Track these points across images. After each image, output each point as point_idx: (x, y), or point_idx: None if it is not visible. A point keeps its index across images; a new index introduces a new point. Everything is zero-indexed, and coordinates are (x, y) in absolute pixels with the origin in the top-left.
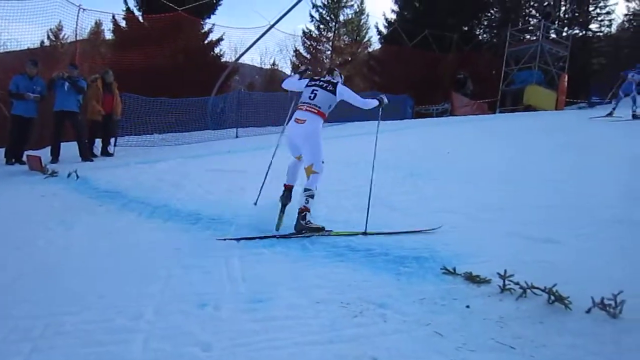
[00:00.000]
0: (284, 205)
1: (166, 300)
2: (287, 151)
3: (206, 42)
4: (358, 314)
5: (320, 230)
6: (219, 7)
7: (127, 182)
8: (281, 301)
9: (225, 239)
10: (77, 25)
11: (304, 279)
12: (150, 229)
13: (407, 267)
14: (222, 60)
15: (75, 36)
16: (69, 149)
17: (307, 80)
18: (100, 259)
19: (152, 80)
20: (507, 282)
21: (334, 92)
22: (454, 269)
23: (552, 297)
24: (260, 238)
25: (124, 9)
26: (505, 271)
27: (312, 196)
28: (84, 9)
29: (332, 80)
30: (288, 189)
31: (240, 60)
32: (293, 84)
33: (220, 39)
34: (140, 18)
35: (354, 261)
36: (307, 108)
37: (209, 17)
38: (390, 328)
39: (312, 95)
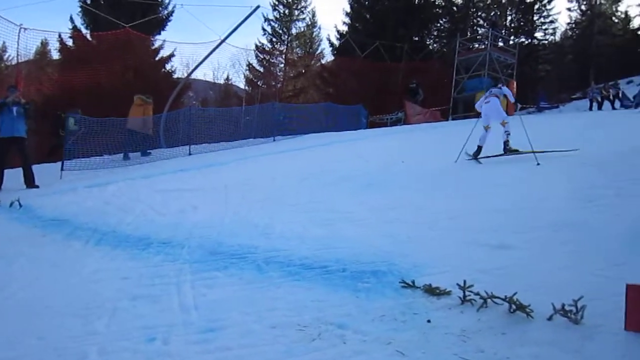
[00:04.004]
0: (477, 155)
1: (112, 337)
2: (483, 122)
3: (157, 58)
4: (316, 337)
5: (516, 150)
6: (169, 23)
7: (73, 208)
8: (235, 328)
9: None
10: (18, 45)
11: (259, 302)
12: (97, 258)
13: (365, 282)
14: (174, 77)
15: (17, 57)
16: (14, 176)
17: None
18: (41, 295)
19: (101, 100)
20: (467, 292)
21: (500, 89)
22: (413, 282)
23: (513, 306)
24: (489, 157)
25: (71, 27)
26: (465, 282)
27: (509, 134)
28: (24, 28)
29: (499, 85)
30: (480, 148)
31: (193, 76)
32: (482, 101)
33: (171, 55)
34: (88, 36)
35: (310, 280)
36: (489, 97)
37: (159, 34)
38: (349, 350)
39: (489, 94)
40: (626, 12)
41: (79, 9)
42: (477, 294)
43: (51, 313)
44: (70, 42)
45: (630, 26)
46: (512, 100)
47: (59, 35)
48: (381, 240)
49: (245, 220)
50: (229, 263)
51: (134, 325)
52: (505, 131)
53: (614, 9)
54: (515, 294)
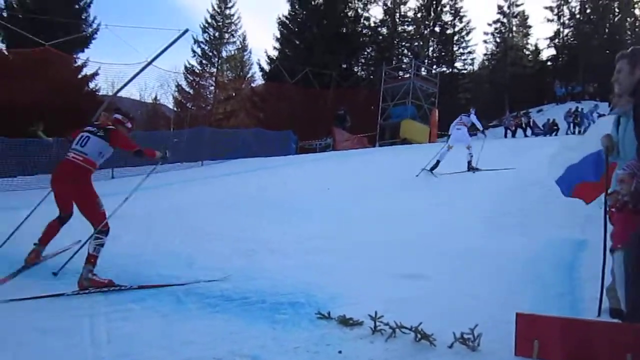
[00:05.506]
0: (433, 169)
1: None
2: (450, 142)
3: (80, 76)
4: None
5: (477, 169)
6: (93, 41)
7: None
8: None
9: None
10: None
11: (175, 335)
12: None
13: (282, 314)
14: (98, 95)
15: None
16: None
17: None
18: None
19: (20, 119)
20: (377, 323)
21: (469, 117)
22: (329, 313)
23: (419, 335)
24: None
25: None
26: (376, 312)
27: (472, 155)
28: None
29: (469, 113)
30: (438, 162)
31: (119, 95)
32: (454, 125)
33: (95, 74)
34: (5, 51)
35: (229, 311)
36: (460, 124)
37: (82, 51)
38: None
39: (460, 120)
40: (536, 45)
41: None
42: (387, 324)
43: None
44: None
45: (540, 58)
46: (479, 127)
47: None
48: (301, 271)
49: (166, 250)
50: (146, 295)
51: None
52: (469, 153)
53: (525, 42)
54: (420, 323)
